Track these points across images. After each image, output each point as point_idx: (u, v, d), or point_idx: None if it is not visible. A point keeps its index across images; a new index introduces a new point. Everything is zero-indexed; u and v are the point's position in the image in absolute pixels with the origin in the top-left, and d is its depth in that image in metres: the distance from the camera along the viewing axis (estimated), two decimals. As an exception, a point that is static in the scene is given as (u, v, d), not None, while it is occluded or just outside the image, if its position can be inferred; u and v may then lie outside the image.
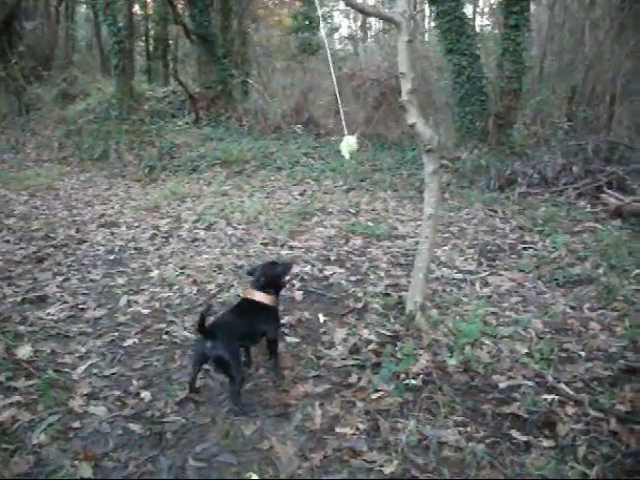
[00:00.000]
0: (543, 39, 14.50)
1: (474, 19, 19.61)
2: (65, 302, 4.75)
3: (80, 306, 4.68)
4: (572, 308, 4.56)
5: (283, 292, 4.86)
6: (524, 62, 10.71)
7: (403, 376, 3.45)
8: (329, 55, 5.50)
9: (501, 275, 5.35)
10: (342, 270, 5.48)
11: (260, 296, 3.51)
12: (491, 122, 10.44)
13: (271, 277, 3.59)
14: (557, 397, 3.20)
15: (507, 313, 4.44)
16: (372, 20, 25.26)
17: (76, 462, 2.71)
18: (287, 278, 3.86)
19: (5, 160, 13.22)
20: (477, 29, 17.78)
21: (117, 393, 3.37)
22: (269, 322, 3.52)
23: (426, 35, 20.27)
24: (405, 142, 11.83)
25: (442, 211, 7.09)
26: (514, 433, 2.91)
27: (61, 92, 16.50)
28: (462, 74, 10.67)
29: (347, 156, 4.51)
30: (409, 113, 3.95)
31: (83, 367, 3.67)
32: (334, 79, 5.00)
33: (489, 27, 20.69)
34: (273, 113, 13.94)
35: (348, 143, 4.43)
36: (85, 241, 6.60)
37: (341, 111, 4.85)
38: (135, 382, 3.50)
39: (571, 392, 3.28)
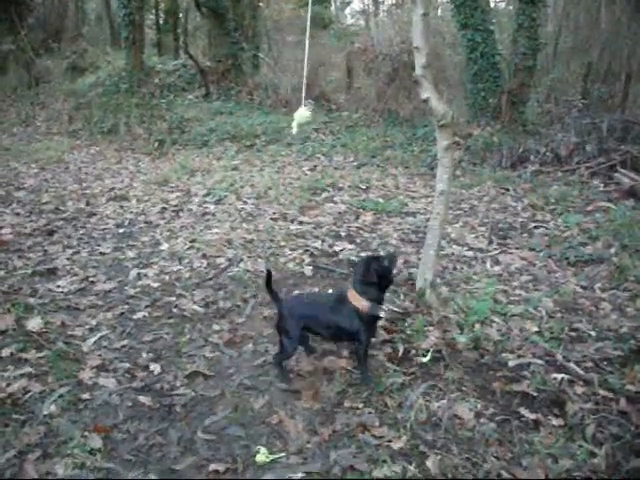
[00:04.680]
0: (559, 15, 14.27)
1: (488, -6, 19.28)
2: (75, 275, 4.76)
3: (90, 279, 4.69)
4: (583, 288, 4.53)
5: (292, 267, 4.89)
6: (539, 38, 10.53)
7: (413, 353, 3.45)
8: (308, 28, 5.43)
9: (512, 253, 5.31)
10: (352, 246, 5.46)
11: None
12: (504, 99, 10.30)
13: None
14: (567, 376, 3.18)
15: (517, 292, 4.42)
16: (385, -7, 24.91)
17: (86, 433, 2.73)
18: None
19: (15, 133, 13.24)
20: (491, 4, 17.50)
21: (127, 365, 3.39)
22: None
23: (439, 10, 19.94)
24: (416, 118, 11.71)
25: (453, 188, 7.02)
26: (523, 411, 2.91)
27: (71, 65, 16.46)
28: (476, 50, 10.50)
29: (295, 130, 4.58)
30: (423, 88, 3.89)
31: (93, 339, 3.68)
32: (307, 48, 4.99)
33: (503, 3, 20.34)
34: (284, 88, 13.82)
35: (300, 114, 4.45)
36: (95, 214, 6.60)
37: (304, 80, 4.92)
38: (144, 355, 3.51)
39: (581, 371, 3.26)
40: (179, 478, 2.50)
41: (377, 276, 3.18)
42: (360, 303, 3.12)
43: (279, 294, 3.39)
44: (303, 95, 4.94)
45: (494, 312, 3.94)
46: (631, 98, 11.51)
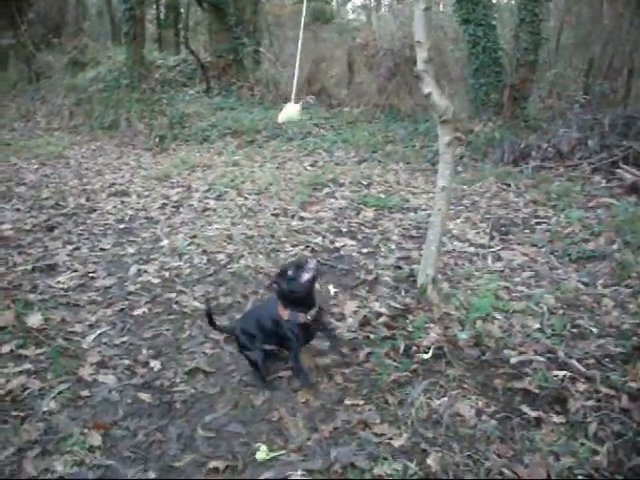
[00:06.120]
0: (561, 11, 14.22)
1: (490, -11, 19.20)
2: (75, 271, 4.75)
3: (90, 275, 4.68)
4: (585, 284, 4.50)
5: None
6: (541, 33, 10.49)
7: (414, 349, 3.44)
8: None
9: (514, 249, 5.30)
10: (353, 242, 5.45)
11: None
12: (506, 94, 10.28)
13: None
14: (568, 373, 3.17)
15: (519, 288, 4.40)
16: (386, -11, 24.80)
17: (86, 430, 2.72)
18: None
19: (15, 128, 13.21)
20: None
21: (127, 362, 3.38)
22: None
23: (441, 5, 19.88)
24: (418, 114, 11.70)
25: (455, 184, 6.99)
26: (525, 408, 2.89)
27: (71, 60, 16.36)
28: (477, 45, 10.47)
29: (280, 120, 4.55)
30: (425, 83, 3.87)
31: (93, 336, 3.67)
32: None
33: (505, -2, 20.27)
34: (285, 83, 13.78)
35: (288, 111, 4.41)
36: (95, 210, 6.58)
37: (295, 75, 4.87)
38: (145, 351, 3.50)
39: (582, 368, 3.24)
40: (179, 476, 2.49)
41: (278, 289, 3.11)
42: (282, 312, 3.09)
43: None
44: (294, 91, 4.84)
45: (496, 309, 3.92)
46: (633, 93, 11.50)
